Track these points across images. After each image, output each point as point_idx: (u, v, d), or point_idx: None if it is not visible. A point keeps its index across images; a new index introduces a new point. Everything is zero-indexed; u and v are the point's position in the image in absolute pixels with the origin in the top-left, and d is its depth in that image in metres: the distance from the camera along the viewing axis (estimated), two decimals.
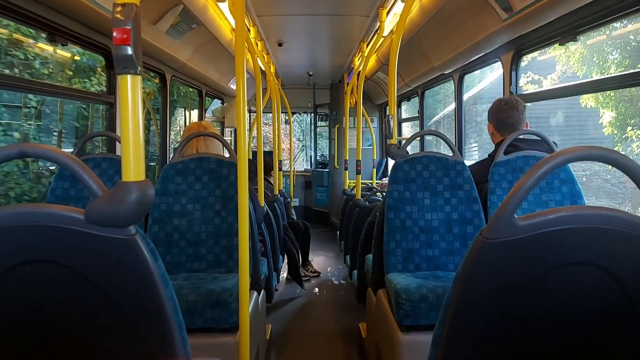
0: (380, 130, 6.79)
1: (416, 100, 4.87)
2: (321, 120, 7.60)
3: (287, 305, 3.63)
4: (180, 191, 2.18)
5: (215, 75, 4.45)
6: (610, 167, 0.76)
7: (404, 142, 2.30)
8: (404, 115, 6.01)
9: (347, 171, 4.92)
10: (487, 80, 7.24)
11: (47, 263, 0.74)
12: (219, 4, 3.26)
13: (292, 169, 6.97)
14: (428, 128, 5.39)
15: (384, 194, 2.35)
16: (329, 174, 6.98)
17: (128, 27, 0.72)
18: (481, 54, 2.92)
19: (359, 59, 4.73)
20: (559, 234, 0.72)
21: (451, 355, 0.81)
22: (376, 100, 6.73)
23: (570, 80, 5.27)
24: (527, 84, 5.57)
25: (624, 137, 4.50)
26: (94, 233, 0.72)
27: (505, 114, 2.15)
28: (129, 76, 0.74)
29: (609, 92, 4.40)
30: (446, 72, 3.63)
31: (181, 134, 6.27)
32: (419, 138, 4.38)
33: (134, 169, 0.75)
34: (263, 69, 4.40)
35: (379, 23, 3.34)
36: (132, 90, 0.75)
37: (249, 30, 3.70)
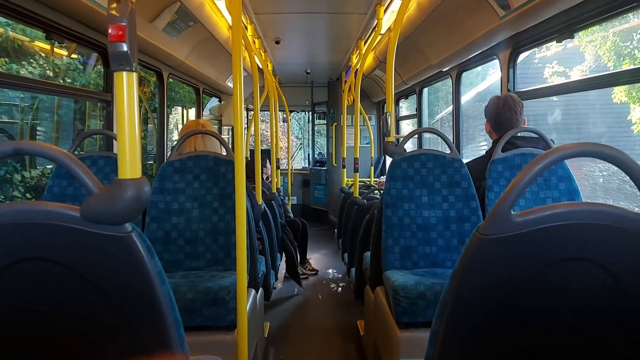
0: (378, 128, 6.79)
1: (415, 97, 4.87)
2: (319, 118, 7.60)
3: (285, 303, 3.63)
4: (178, 189, 2.18)
5: (213, 73, 4.44)
6: None
7: (401, 139, 2.30)
8: (403, 113, 6.01)
9: (345, 169, 4.92)
10: (496, 75, 7.11)
11: (43, 261, 0.74)
12: (216, 1, 3.25)
13: (290, 167, 6.97)
14: (431, 126, 5.37)
15: (382, 191, 2.35)
16: (327, 172, 6.98)
17: (123, 24, 0.72)
18: (479, 52, 2.92)
19: (356, 57, 4.73)
20: (556, 230, 0.73)
21: (448, 351, 0.81)
22: (374, 98, 6.73)
23: (602, 71, 4.78)
24: (552, 76, 5.16)
25: None
26: (90, 230, 0.72)
27: (502, 114, 2.15)
28: (124, 73, 0.74)
29: None
30: (444, 70, 3.62)
31: (175, 133, 6.30)
32: (416, 135, 4.39)
33: (130, 166, 0.74)
34: (260, 66, 4.39)
35: (376, 20, 3.34)
36: (127, 87, 0.74)
37: (246, 27, 3.69)
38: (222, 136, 4.23)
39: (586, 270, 0.75)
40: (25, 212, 0.72)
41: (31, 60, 3.99)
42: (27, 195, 3.99)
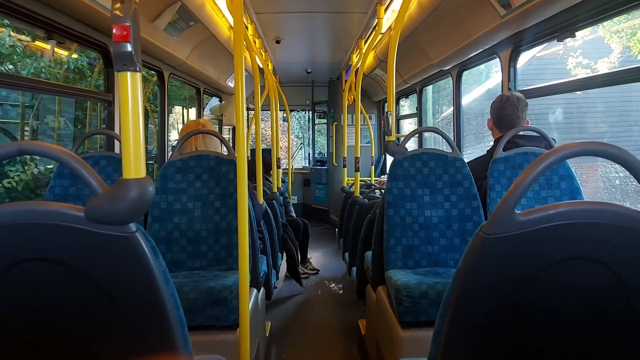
0: (378, 128, 6.79)
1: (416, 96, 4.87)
2: (319, 118, 7.59)
3: (286, 302, 3.63)
4: (180, 189, 2.18)
5: (213, 72, 4.44)
6: None
7: (402, 139, 2.30)
8: (405, 112, 6.01)
9: (346, 168, 4.92)
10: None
11: (47, 261, 0.74)
12: (217, 1, 3.25)
13: (291, 167, 6.97)
14: (435, 125, 5.36)
15: (383, 191, 2.35)
16: (328, 172, 6.99)
17: (127, 24, 0.72)
18: (480, 51, 2.91)
19: (357, 56, 4.73)
20: (560, 229, 0.73)
21: (452, 350, 0.81)
22: (374, 98, 6.73)
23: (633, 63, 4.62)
24: (575, 68, 4.92)
25: None
26: (94, 231, 0.72)
27: (504, 111, 2.15)
28: (128, 73, 0.74)
29: None
30: (445, 69, 3.62)
31: (174, 133, 6.28)
32: (417, 135, 4.38)
33: (134, 166, 0.74)
34: (261, 66, 4.39)
35: (377, 20, 3.34)
36: (132, 87, 0.74)
37: (246, 27, 3.69)
38: (223, 136, 4.22)
39: (589, 269, 0.75)
40: (28, 212, 0.72)
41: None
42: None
